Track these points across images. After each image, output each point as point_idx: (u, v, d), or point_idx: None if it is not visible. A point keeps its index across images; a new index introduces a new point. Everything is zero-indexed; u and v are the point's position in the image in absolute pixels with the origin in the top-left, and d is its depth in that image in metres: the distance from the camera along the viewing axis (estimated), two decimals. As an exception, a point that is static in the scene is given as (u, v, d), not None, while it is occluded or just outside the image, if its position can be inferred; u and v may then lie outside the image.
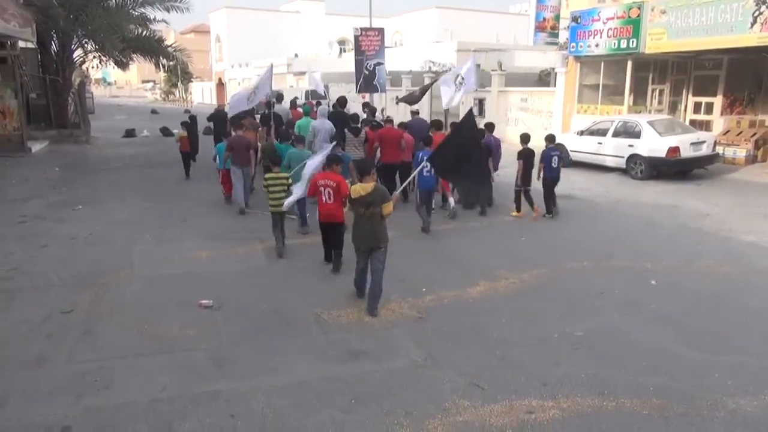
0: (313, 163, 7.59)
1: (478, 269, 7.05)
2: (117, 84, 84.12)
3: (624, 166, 13.68)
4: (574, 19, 18.08)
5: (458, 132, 7.12)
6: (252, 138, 10.12)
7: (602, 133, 14.34)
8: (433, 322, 5.55)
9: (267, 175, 7.85)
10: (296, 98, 19.23)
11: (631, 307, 5.92)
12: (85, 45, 21.27)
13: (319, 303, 5.96)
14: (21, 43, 18.25)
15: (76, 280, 6.60)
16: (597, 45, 17.27)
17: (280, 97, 15.65)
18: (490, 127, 10.52)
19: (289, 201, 7.48)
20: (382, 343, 5.12)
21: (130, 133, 23.74)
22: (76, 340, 5.13)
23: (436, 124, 10.69)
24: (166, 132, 23.58)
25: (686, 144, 12.98)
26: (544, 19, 29.54)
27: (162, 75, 58.09)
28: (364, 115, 13.69)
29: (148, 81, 77.60)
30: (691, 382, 4.42)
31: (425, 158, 7.88)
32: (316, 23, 54.53)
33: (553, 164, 9.57)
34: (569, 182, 13.17)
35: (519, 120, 21.25)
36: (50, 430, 3.80)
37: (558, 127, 18.93)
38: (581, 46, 17.89)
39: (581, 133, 15.07)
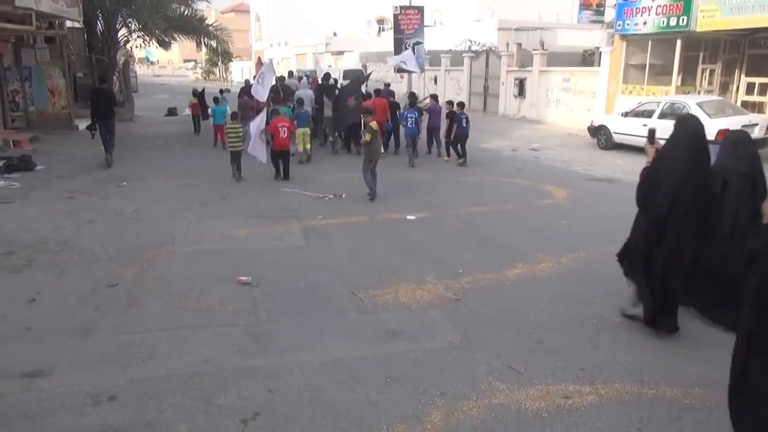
0: (254, 123, 10.79)
1: (515, 251, 6.97)
2: (159, 63, 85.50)
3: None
4: (622, -5, 17.45)
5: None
6: (260, 104, 13.40)
7: (648, 114, 13.89)
8: (469, 304, 5.52)
9: (227, 126, 11.53)
10: (304, 76, 21.12)
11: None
12: (129, 24, 21.67)
13: (356, 282, 6.00)
14: (68, 23, 18.72)
15: (121, 255, 6.81)
16: (645, 23, 16.63)
17: (290, 74, 20.05)
18: (435, 97, 14.12)
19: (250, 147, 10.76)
20: (418, 323, 5.13)
21: (171, 112, 24.14)
22: (121, 312, 5.30)
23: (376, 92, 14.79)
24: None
25: (737, 126, 12.44)
26: (590, -4, 28.65)
27: (203, 54, 58.75)
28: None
29: (189, 60, 78.67)
30: (736, 373, 4.29)
31: (407, 114, 12.67)
32: (355, 1, 54.07)
33: (463, 124, 12.44)
34: (612, 165, 12.86)
35: (561, 101, 20.75)
36: (97, 397, 3.94)
37: (601, 108, 18.43)
38: (628, 24, 17.27)
39: (626, 114, 14.63)
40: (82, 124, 18.12)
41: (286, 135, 10.70)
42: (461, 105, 13.13)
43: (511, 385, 4.14)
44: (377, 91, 14.44)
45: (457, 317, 5.24)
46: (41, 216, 8.41)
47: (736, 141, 4.42)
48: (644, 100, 15.33)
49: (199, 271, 6.33)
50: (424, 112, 13.45)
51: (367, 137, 9.23)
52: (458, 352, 4.62)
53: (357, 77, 15.67)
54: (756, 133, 12.73)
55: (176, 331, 4.93)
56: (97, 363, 4.40)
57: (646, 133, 5.91)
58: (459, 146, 12.69)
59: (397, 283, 5.99)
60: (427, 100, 14.63)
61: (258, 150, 10.72)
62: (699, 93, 16.11)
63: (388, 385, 4.13)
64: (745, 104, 15.53)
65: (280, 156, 10.88)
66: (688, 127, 4.77)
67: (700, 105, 12.91)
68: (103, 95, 12.64)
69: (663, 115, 13.43)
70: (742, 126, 12.52)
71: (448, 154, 13.21)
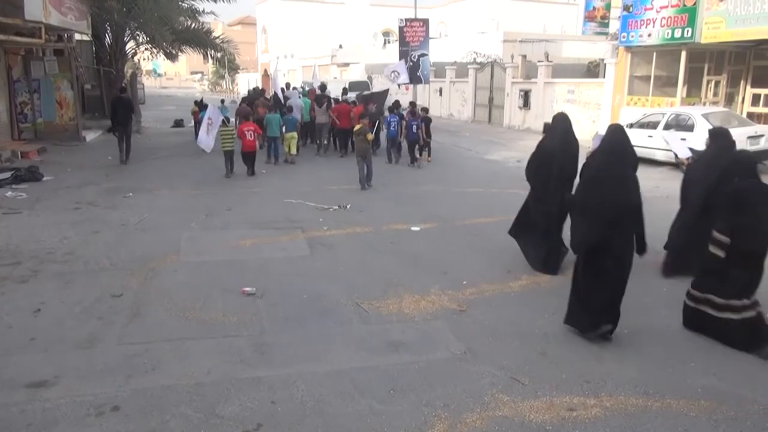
0: (206, 118, 12.02)
1: (520, 263, 6.93)
2: (166, 75, 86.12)
3: (675, 161, 13.21)
4: (626, 8, 17.51)
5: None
6: (262, 112, 14.58)
7: (653, 126, 13.88)
8: (473, 316, 5.51)
9: (221, 129, 12.44)
10: (303, 87, 22.28)
11: (679, 305, 5.70)
12: (137, 37, 21.93)
13: (360, 293, 6.00)
14: (77, 36, 18.94)
15: (126, 265, 6.83)
16: (649, 35, 16.69)
17: (288, 85, 20.32)
18: (413, 105, 15.42)
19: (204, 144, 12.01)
20: (422, 334, 5.12)
21: (178, 123, 24.28)
22: (126, 322, 5.31)
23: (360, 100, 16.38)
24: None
25: (743, 138, 12.39)
26: (594, 8, 28.70)
27: (210, 66, 59.26)
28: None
29: (196, 72, 79.31)
30: (743, 386, 4.25)
31: (389, 119, 14.06)
32: (361, 14, 54.55)
33: (413, 130, 13.69)
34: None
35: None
36: (100, 408, 3.94)
37: (606, 119, 18.42)
38: (632, 36, 17.33)
39: (630, 125, 14.57)
40: (90, 136, 18.33)
41: (253, 138, 12.33)
42: (413, 112, 14.41)
43: (515, 397, 4.11)
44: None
45: (461, 328, 5.23)
46: (48, 226, 8.46)
47: (614, 130, 5.15)
48: (649, 111, 15.34)
49: (204, 281, 6.34)
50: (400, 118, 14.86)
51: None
52: (462, 363, 4.60)
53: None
54: (761, 145, 12.70)
55: (180, 341, 4.94)
56: (101, 373, 4.40)
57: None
58: (410, 149, 13.99)
59: (401, 294, 5.98)
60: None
61: (203, 141, 11.87)
62: (704, 104, 16.11)
63: (392, 397, 4.11)
64: (750, 115, 15.51)
65: (248, 156, 12.44)
66: (559, 121, 6.70)
67: (705, 116, 12.88)
68: (123, 103, 13.92)
69: (668, 127, 13.43)
70: (748, 137, 12.53)
71: (429, 154, 14.53)
